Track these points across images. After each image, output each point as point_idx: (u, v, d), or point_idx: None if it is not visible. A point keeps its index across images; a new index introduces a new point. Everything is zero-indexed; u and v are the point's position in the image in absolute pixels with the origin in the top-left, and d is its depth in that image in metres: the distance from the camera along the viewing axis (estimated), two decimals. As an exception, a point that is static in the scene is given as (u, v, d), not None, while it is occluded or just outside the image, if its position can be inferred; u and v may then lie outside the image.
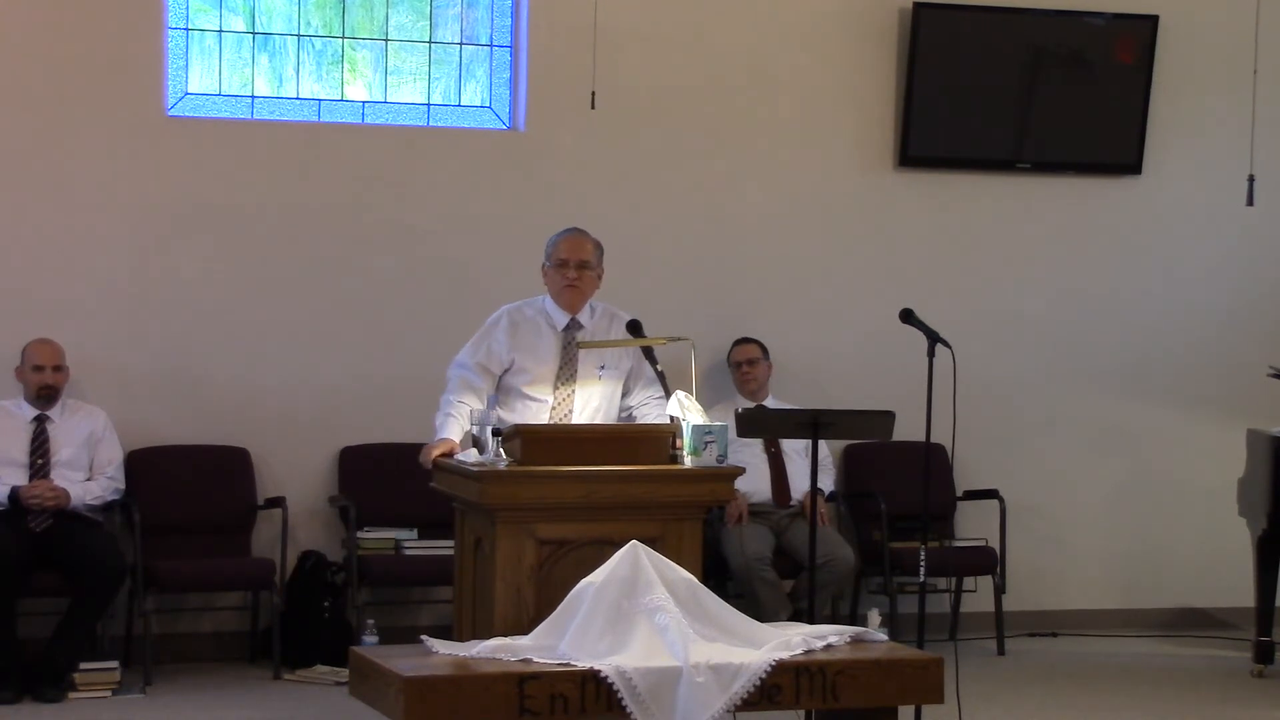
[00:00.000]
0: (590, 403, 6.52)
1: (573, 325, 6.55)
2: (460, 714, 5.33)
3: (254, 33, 8.38)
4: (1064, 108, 9.07)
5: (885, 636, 6.05)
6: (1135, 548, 9.35)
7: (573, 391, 6.50)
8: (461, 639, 5.96)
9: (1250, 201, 8.32)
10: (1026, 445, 9.19)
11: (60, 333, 7.83)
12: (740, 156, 8.84)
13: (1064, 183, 9.19)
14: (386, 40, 8.54)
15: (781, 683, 5.55)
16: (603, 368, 6.54)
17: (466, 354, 6.53)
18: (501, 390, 6.55)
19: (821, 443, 7.38)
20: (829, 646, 5.79)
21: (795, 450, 8.43)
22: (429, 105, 8.59)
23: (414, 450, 6.42)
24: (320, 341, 8.35)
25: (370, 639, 6.20)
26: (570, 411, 6.50)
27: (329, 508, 8.31)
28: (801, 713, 6.15)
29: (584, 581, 5.65)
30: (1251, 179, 8.28)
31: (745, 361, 8.57)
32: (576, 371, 6.51)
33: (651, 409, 6.51)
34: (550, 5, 8.53)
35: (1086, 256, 9.28)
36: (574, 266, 6.50)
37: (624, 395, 6.63)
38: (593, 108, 8.01)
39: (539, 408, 6.49)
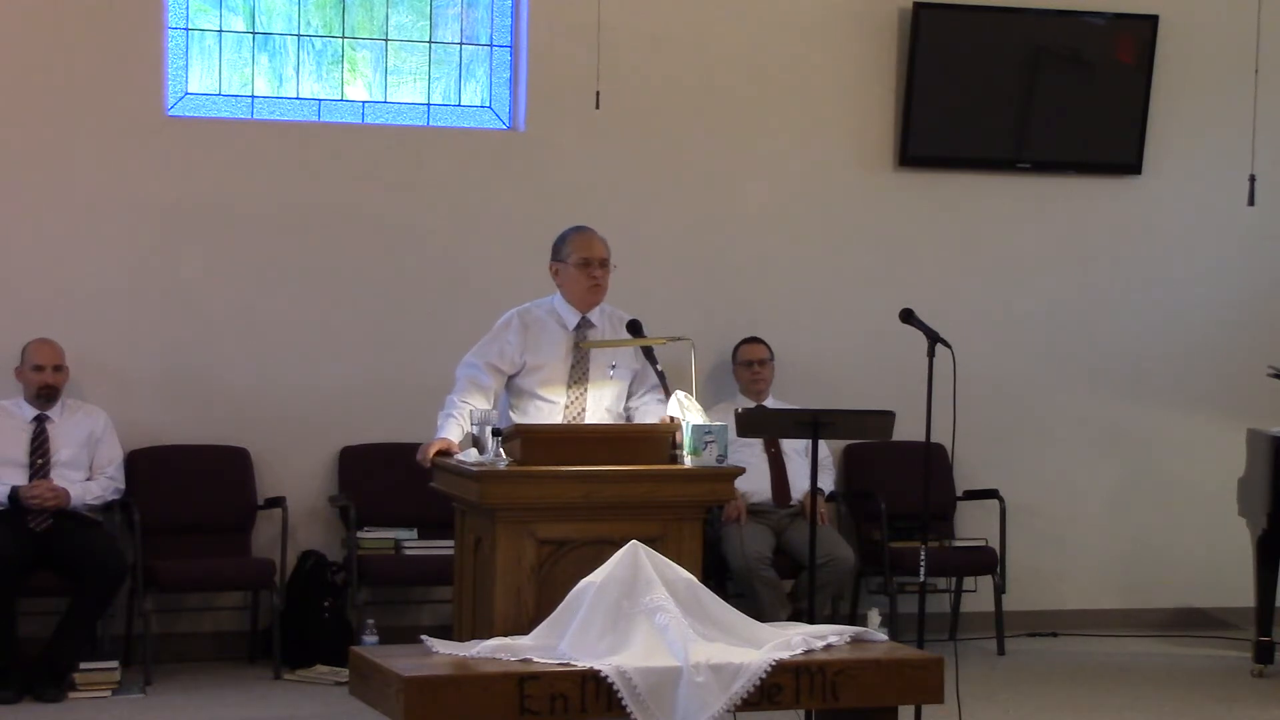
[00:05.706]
0: (603, 402, 6.51)
1: (583, 324, 6.54)
2: (460, 714, 5.33)
3: (254, 32, 8.38)
4: (1064, 108, 9.07)
5: (885, 636, 6.05)
6: (1135, 548, 9.35)
7: (585, 391, 6.49)
8: (461, 639, 5.96)
9: (1251, 201, 8.33)
10: (1026, 445, 9.19)
11: (60, 333, 7.82)
12: (740, 156, 8.83)
13: (1064, 183, 9.19)
14: (386, 40, 8.53)
15: (781, 682, 5.56)
16: (614, 366, 6.52)
17: (475, 353, 6.49)
18: (514, 392, 6.53)
19: (821, 443, 7.38)
20: (829, 646, 5.79)
21: (795, 450, 8.42)
22: (429, 105, 8.59)
23: (414, 450, 6.41)
24: (320, 341, 8.35)
25: (370, 639, 6.21)
26: (583, 411, 6.48)
27: (329, 508, 8.31)
28: (801, 713, 6.15)
29: (584, 581, 5.66)
30: (1253, 179, 8.29)
31: (757, 361, 8.56)
32: (588, 371, 6.50)
33: (652, 409, 6.50)
34: (550, 5, 8.53)
35: (1086, 256, 9.28)
36: (598, 265, 6.49)
37: (627, 396, 6.63)
38: (597, 107, 8.02)
39: (552, 409, 6.47)
